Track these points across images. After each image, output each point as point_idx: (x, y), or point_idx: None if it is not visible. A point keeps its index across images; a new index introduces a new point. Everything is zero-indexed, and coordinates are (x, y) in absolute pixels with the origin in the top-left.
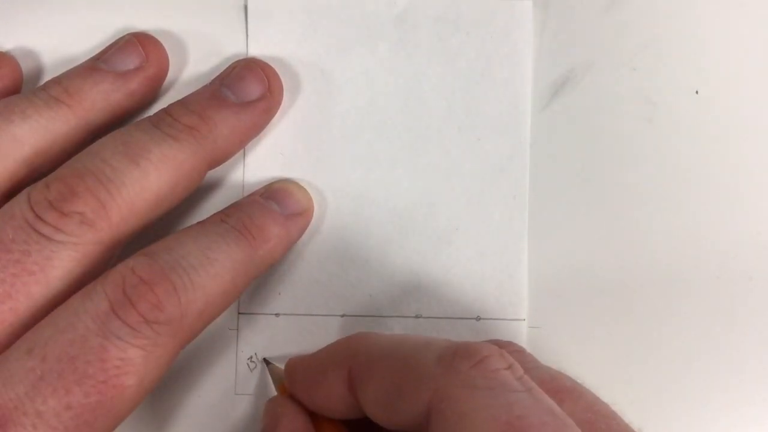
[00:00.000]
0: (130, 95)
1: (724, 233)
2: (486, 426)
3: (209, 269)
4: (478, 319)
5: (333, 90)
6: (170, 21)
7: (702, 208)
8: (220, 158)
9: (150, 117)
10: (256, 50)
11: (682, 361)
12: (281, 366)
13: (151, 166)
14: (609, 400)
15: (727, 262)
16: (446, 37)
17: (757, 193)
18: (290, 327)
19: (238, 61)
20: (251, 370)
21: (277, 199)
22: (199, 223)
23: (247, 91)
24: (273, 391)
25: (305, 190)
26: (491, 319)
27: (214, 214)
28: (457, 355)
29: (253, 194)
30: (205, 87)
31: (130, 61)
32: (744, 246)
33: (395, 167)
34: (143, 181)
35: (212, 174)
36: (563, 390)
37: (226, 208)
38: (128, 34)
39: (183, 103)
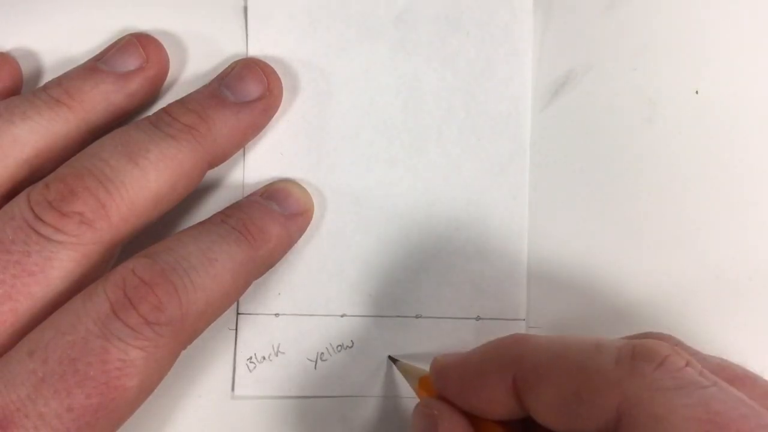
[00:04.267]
0: (130, 96)
1: (724, 233)
2: (686, 426)
3: (210, 270)
4: (478, 319)
5: (333, 90)
6: (170, 21)
7: (702, 208)
8: (220, 157)
9: (149, 117)
10: (256, 50)
11: None
12: (411, 363)
13: (150, 166)
14: None
15: (727, 262)
16: (446, 37)
17: (757, 193)
18: (290, 327)
19: (238, 61)
20: (250, 371)
21: (277, 199)
22: (199, 223)
23: (246, 90)
24: (272, 391)
25: (305, 190)
26: (491, 319)
27: (215, 214)
28: (637, 357)
29: (253, 194)
30: (204, 87)
31: (130, 62)
32: (744, 246)
33: (395, 167)
34: (142, 180)
35: (212, 174)
36: (737, 378)
37: (227, 209)
38: (128, 35)
39: (182, 103)
